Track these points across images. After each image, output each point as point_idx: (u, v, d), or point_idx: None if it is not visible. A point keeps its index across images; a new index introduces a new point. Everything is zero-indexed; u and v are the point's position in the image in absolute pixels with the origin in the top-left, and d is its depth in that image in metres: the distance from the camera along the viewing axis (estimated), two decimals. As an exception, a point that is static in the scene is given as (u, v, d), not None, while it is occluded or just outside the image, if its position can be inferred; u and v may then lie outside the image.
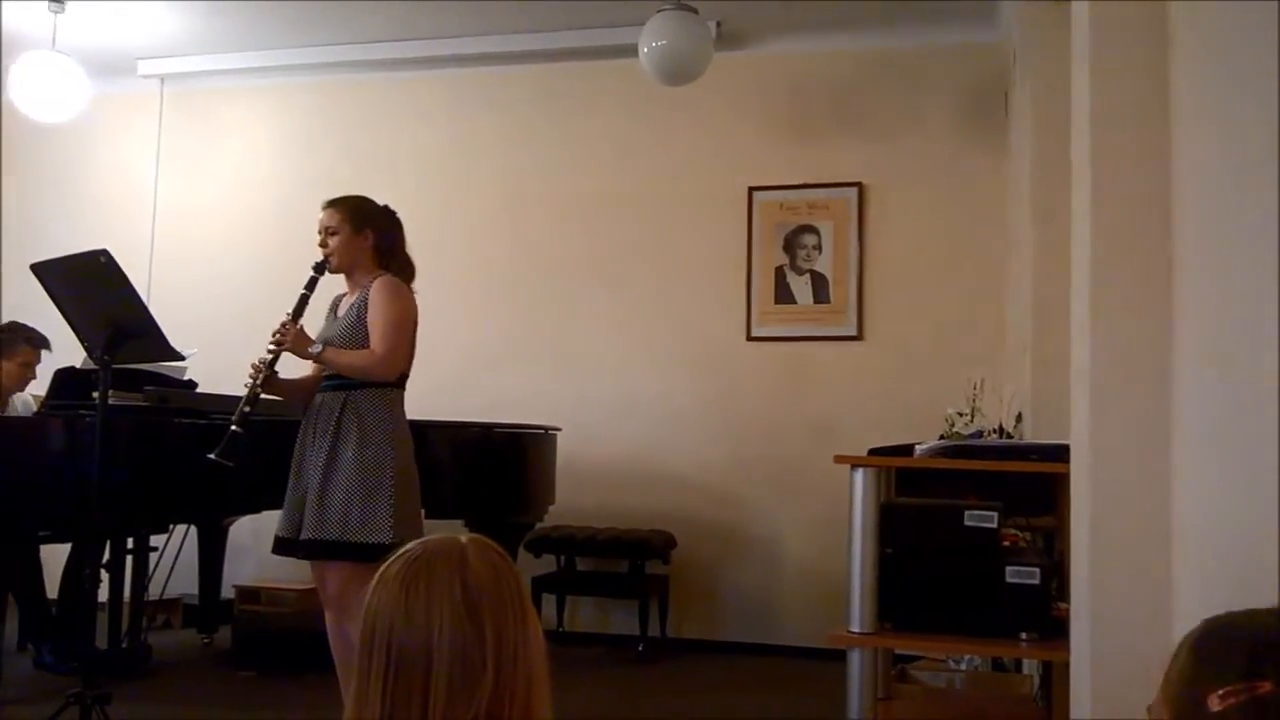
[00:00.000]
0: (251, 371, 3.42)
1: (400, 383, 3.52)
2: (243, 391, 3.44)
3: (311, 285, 3.53)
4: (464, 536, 1.25)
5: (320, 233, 3.55)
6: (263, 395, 3.45)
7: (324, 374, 3.51)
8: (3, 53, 5.81)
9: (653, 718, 4.40)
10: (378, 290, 3.47)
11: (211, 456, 3.32)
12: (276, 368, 3.47)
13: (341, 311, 3.57)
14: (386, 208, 3.66)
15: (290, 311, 3.47)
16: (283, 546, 3.47)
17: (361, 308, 3.47)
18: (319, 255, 3.55)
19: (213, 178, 6.49)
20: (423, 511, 3.60)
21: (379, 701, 1.16)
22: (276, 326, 3.45)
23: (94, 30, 5.81)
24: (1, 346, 4.93)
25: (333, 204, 3.58)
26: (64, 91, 5.67)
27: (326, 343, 3.46)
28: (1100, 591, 1.94)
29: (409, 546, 1.24)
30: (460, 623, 1.16)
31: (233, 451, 3.34)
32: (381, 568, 1.23)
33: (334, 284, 3.60)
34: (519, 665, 1.18)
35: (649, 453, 5.71)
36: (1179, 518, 1.83)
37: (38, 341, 4.92)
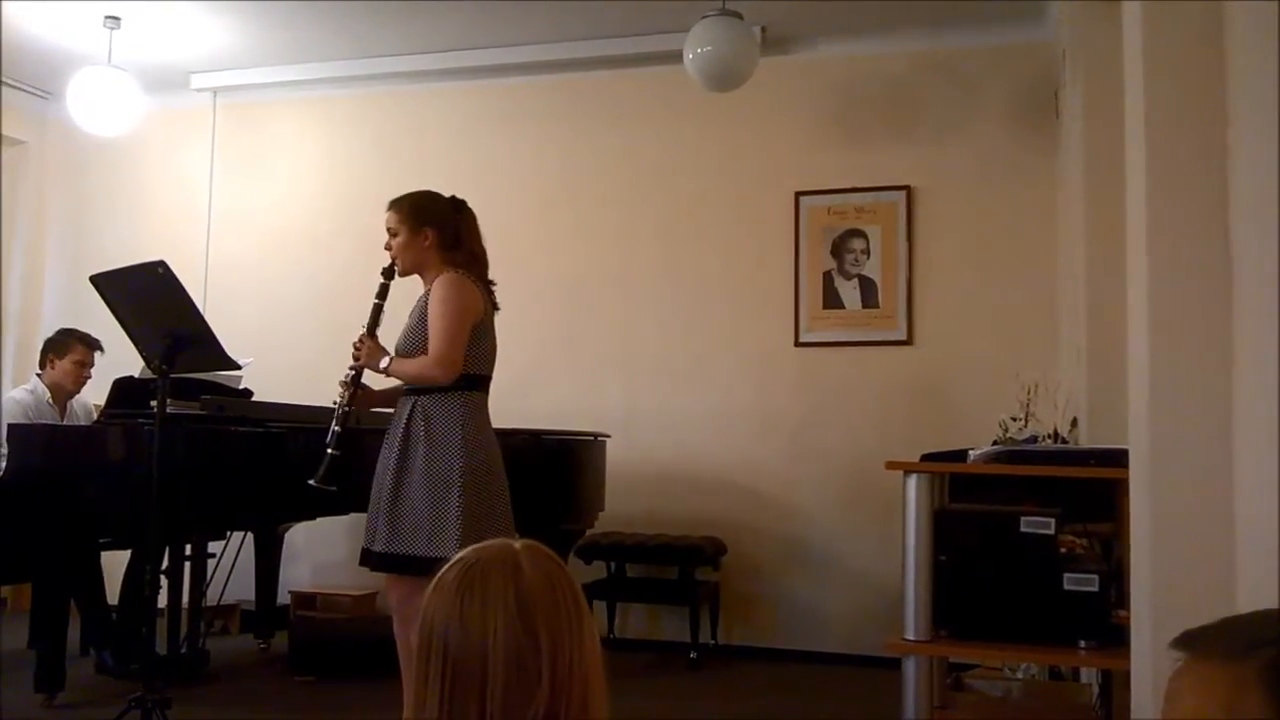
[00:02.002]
0: (339, 391, 3.40)
1: (473, 384, 3.39)
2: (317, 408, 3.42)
3: (383, 293, 3.46)
4: (518, 543, 1.26)
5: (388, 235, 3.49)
6: (358, 410, 3.41)
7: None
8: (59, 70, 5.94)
9: (704, 724, 4.39)
10: (433, 290, 3.38)
11: (312, 483, 3.29)
12: (365, 382, 3.44)
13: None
14: (452, 199, 3.54)
15: (365, 325, 3.44)
16: (362, 556, 3.43)
17: (423, 310, 3.40)
18: (379, 263, 3.50)
19: (266, 189, 6.58)
20: (510, 516, 3.43)
21: (437, 708, 1.17)
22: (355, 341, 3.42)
23: (148, 46, 5.92)
24: (56, 348, 5.07)
25: (392, 205, 3.50)
26: (120, 106, 5.79)
27: (398, 351, 3.42)
28: (1162, 598, 1.91)
29: (464, 554, 1.24)
30: (514, 632, 1.17)
31: (333, 475, 3.31)
32: (437, 575, 1.24)
33: (417, 286, 3.54)
34: (575, 673, 1.18)
35: (698, 459, 5.70)
36: (1242, 522, 1.80)
37: (90, 342, 5.05)
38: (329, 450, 3.33)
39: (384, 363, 3.38)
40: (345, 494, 3.47)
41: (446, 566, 1.24)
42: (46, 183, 6.91)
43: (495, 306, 3.52)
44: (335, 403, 3.41)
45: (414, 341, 3.40)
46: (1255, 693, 0.82)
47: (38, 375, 5.11)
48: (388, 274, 3.47)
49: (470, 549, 1.25)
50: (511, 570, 1.20)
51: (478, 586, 1.19)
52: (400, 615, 3.36)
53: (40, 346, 5.26)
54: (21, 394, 5.05)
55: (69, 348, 5.05)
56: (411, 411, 3.36)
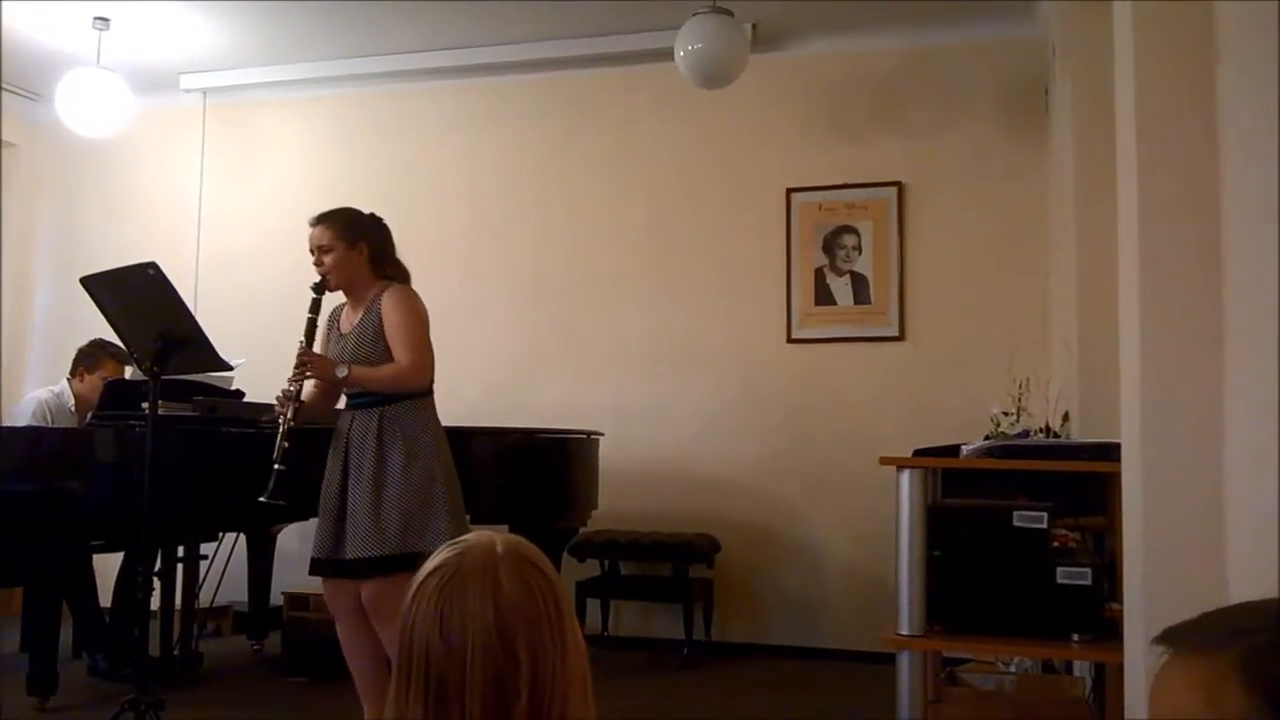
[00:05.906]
0: (279, 408, 3.41)
1: (428, 390, 3.53)
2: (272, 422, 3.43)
3: (315, 307, 3.49)
4: (500, 545, 1.22)
5: (313, 251, 3.49)
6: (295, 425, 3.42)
7: (343, 390, 3.51)
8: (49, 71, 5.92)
9: (699, 721, 4.39)
10: (391, 301, 3.45)
11: (263, 500, 3.32)
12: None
13: (346, 327, 3.54)
14: (373, 215, 3.61)
15: (303, 339, 3.44)
16: (324, 568, 3.44)
17: (376, 322, 3.45)
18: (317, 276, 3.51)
19: (255, 189, 6.56)
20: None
21: (420, 715, 1.16)
22: (296, 356, 3.43)
23: (137, 47, 5.90)
24: (87, 361, 5.06)
25: (322, 220, 3.51)
26: (109, 107, 5.77)
27: (349, 362, 3.43)
28: (1154, 591, 1.92)
29: (446, 559, 1.22)
30: (492, 648, 1.15)
31: (282, 490, 3.33)
32: (419, 577, 1.22)
33: (330, 299, 3.58)
34: (556, 685, 1.17)
35: (692, 456, 5.71)
36: (1233, 515, 1.80)
37: (121, 357, 5.02)
38: (276, 466, 3.34)
39: (342, 372, 3.42)
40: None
41: (428, 571, 1.22)
42: (36, 185, 6.88)
43: None
44: (277, 416, 3.41)
45: (374, 354, 3.45)
46: (1234, 683, 0.84)
47: (67, 380, 5.12)
48: (319, 289, 3.50)
49: (452, 551, 1.23)
50: (491, 584, 1.18)
51: (456, 599, 1.17)
52: (377, 612, 3.35)
53: (30, 350, 5.24)
54: (46, 394, 5.08)
55: (100, 363, 5.04)
56: (381, 421, 3.41)
